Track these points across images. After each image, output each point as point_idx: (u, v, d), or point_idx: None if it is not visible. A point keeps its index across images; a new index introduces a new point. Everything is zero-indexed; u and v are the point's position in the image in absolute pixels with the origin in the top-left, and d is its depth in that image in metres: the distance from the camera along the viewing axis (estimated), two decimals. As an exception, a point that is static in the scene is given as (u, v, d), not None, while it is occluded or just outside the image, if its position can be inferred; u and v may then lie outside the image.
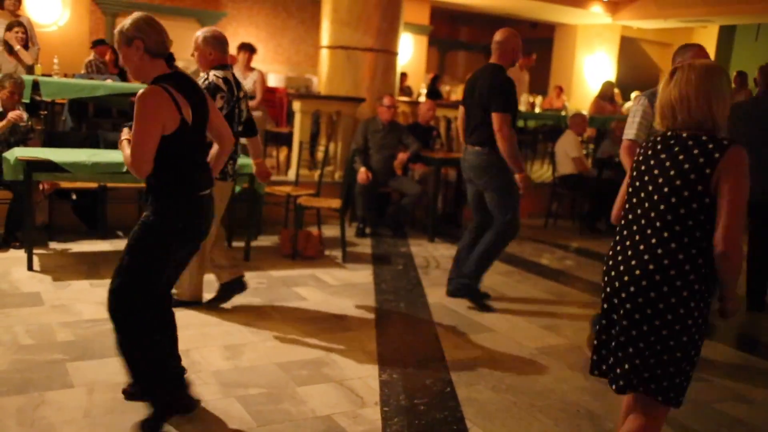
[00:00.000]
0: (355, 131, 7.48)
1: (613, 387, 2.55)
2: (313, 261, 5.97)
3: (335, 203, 6.27)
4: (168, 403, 3.02)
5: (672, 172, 2.38)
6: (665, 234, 2.38)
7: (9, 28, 7.14)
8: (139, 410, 3.13)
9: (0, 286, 4.69)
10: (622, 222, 2.55)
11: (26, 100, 6.17)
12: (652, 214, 2.42)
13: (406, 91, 12.82)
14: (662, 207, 2.39)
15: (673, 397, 2.48)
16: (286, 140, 8.71)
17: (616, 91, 12.54)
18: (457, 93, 13.82)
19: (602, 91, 11.32)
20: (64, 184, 5.89)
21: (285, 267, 5.74)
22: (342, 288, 5.30)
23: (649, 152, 2.48)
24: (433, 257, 6.47)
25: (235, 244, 6.22)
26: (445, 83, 15.12)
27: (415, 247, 6.80)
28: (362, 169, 6.97)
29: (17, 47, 7.06)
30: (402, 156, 7.19)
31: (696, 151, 2.34)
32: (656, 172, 2.43)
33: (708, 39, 15.96)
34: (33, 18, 8.45)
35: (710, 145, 2.33)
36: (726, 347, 4.67)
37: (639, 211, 2.47)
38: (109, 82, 7.14)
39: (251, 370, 3.71)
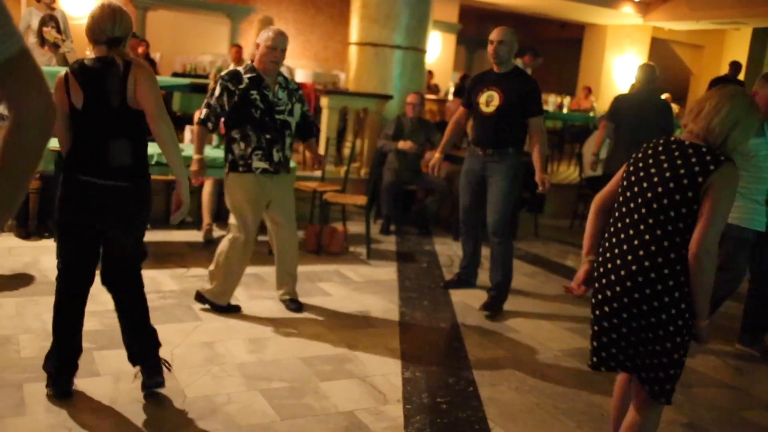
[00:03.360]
0: (386, 124, 7.48)
1: (604, 369, 2.71)
2: (337, 257, 5.99)
3: (361, 200, 6.28)
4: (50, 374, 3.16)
5: (667, 174, 2.47)
6: (658, 232, 2.46)
7: (43, 23, 7.24)
8: (163, 400, 3.17)
9: (30, 274, 4.76)
10: (615, 216, 2.63)
11: None
12: (644, 211, 2.50)
13: (432, 89, 12.80)
14: (654, 206, 2.48)
15: (670, 394, 2.59)
16: (312, 136, 8.73)
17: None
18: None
19: (631, 93, 11.19)
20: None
21: (309, 262, 5.76)
22: (366, 285, 5.31)
23: (650, 152, 2.58)
24: (458, 256, 6.44)
25: (260, 238, 6.23)
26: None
27: (440, 246, 6.78)
28: (400, 142, 7.03)
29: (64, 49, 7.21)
30: (429, 156, 7.17)
31: (694, 160, 2.45)
32: (652, 171, 2.52)
33: (741, 41, 15.74)
34: (66, 11, 8.53)
35: (708, 157, 2.43)
36: (755, 355, 4.60)
37: (632, 206, 2.55)
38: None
39: (275, 363, 3.73)
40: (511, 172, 4.90)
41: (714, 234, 2.39)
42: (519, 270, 6.15)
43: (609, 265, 2.56)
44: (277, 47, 4.23)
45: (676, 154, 2.49)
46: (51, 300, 4.26)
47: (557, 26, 16.40)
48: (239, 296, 4.72)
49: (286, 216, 4.57)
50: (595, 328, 2.64)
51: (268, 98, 4.29)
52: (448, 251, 6.61)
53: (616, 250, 2.55)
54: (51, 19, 7.30)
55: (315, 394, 3.42)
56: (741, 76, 11.50)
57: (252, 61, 4.35)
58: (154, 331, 3.29)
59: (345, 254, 6.10)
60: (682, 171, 2.44)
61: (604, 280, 2.57)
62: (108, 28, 3.03)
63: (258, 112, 4.25)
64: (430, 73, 12.92)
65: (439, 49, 14.97)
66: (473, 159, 5.06)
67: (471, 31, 17.34)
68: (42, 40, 7.23)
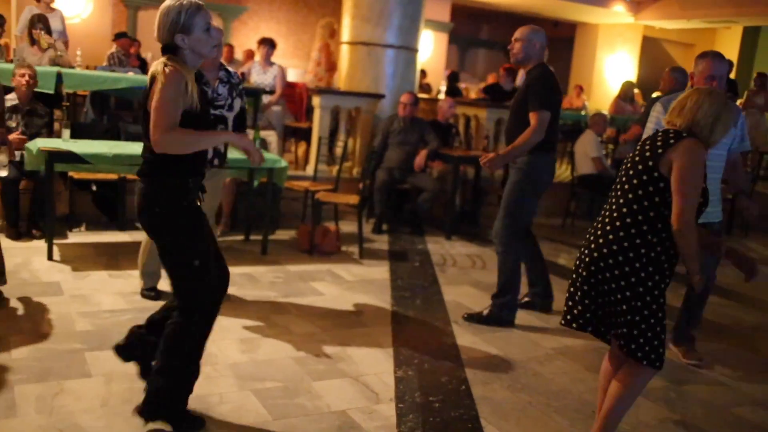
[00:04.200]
0: (379, 124, 7.50)
1: (589, 329, 2.96)
2: (330, 256, 5.98)
3: (353, 199, 6.28)
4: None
5: (637, 158, 2.80)
6: (624, 210, 2.78)
7: (32, 23, 7.21)
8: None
9: (21, 276, 4.75)
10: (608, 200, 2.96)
11: (51, 91, 6.22)
12: (619, 193, 2.83)
13: (425, 88, 12.81)
14: (626, 187, 2.80)
15: (650, 356, 2.79)
16: (305, 135, 8.74)
17: (637, 91, 12.44)
18: (476, 91, 13.78)
19: (622, 92, 11.25)
20: (85, 175, 5.95)
21: (302, 262, 5.75)
22: (358, 284, 5.31)
23: (639, 145, 2.91)
24: (450, 255, 6.46)
25: (252, 237, 6.25)
26: (464, 81, 15.07)
27: (432, 245, 6.79)
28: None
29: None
30: (419, 159, 7.16)
31: (659, 138, 2.77)
32: (630, 159, 2.86)
33: (731, 40, 15.81)
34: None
35: (671, 134, 2.75)
36: (746, 352, 4.62)
37: (614, 193, 2.88)
38: (130, 74, 7.19)
39: (267, 363, 3.72)
40: (518, 175, 4.57)
41: (689, 206, 2.65)
42: (511, 269, 6.17)
43: (588, 236, 2.90)
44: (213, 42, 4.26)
45: (648, 141, 2.82)
46: (42, 300, 4.28)
47: (549, 25, 16.40)
48: (231, 295, 4.72)
49: (206, 207, 4.48)
50: (570, 289, 2.95)
51: (207, 95, 4.25)
52: (441, 250, 6.61)
53: (598, 225, 2.87)
54: (39, 20, 7.25)
55: (308, 393, 3.42)
56: (732, 75, 11.54)
57: None
58: (167, 387, 2.95)
59: (337, 254, 6.09)
60: (647, 147, 2.79)
61: (581, 249, 2.92)
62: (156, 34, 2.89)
63: None
64: (424, 72, 12.92)
65: (431, 49, 14.98)
66: None
67: (463, 30, 17.36)
68: (32, 40, 7.20)
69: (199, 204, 2.94)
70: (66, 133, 5.37)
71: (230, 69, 4.49)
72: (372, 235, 6.94)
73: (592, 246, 2.84)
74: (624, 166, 2.89)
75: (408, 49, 8.39)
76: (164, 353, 2.93)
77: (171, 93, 2.75)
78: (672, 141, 2.71)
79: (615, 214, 2.81)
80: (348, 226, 6.91)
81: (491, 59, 18.45)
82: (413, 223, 7.33)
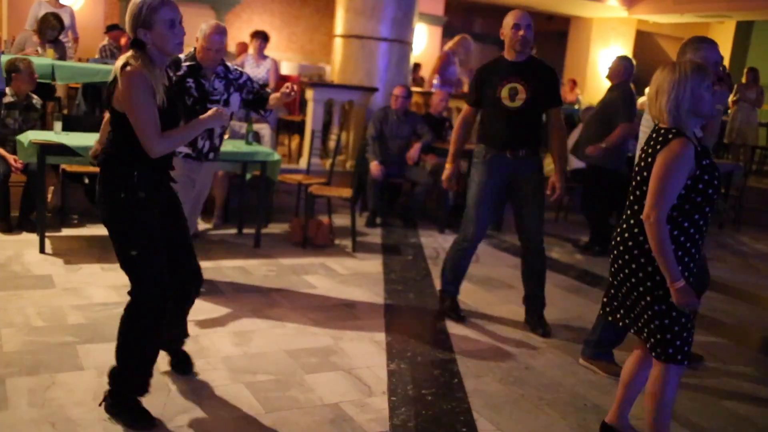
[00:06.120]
0: (372, 117, 7.48)
1: (610, 318, 3.07)
2: (323, 250, 5.98)
3: (346, 192, 6.27)
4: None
5: (636, 160, 2.89)
6: (629, 212, 2.88)
7: (49, 25, 7.23)
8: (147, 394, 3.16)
9: (12, 268, 4.73)
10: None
11: (49, 81, 6.20)
12: (634, 188, 2.88)
13: (418, 81, 12.77)
14: (629, 188, 2.90)
15: (672, 353, 2.77)
16: (298, 129, 8.73)
17: (630, 86, 12.43)
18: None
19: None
20: (78, 168, 5.92)
21: (295, 255, 5.75)
22: (351, 277, 5.31)
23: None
24: (443, 248, 6.46)
25: (245, 231, 6.24)
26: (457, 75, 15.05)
27: (425, 238, 6.80)
28: (374, 163, 6.96)
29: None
30: (412, 152, 7.15)
31: (651, 143, 2.77)
32: (640, 163, 2.86)
33: (725, 34, 15.83)
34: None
35: (660, 138, 2.72)
36: (735, 345, 4.65)
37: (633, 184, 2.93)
38: (123, 67, 7.15)
39: (260, 356, 3.72)
40: (541, 174, 4.46)
41: (655, 203, 2.66)
42: (504, 262, 6.19)
43: (616, 235, 2.95)
44: (212, 48, 4.21)
45: (646, 140, 2.83)
46: (34, 294, 4.27)
47: (543, 19, 16.40)
48: (224, 289, 4.72)
49: (198, 201, 4.62)
50: (609, 280, 3.02)
51: (204, 87, 4.28)
52: (434, 244, 6.62)
53: (622, 221, 2.93)
54: (55, 17, 7.29)
55: (300, 386, 3.42)
56: (725, 69, 11.53)
57: (195, 49, 4.29)
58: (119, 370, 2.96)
59: (330, 247, 6.10)
60: (643, 155, 2.80)
61: (612, 245, 2.96)
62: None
63: (190, 99, 4.23)
64: (417, 65, 12.89)
65: (425, 42, 14.95)
66: (499, 165, 4.39)
67: (457, 23, 17.31)
68: (39, 32, 7.21)
69: (144, 197, 2.89)
70: (58, 125, 5.35)
71: (230, 65, 4.46)
72: (365, 228, 6.94)
73: (617, 240, 2.91)
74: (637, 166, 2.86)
75: (401, 42, 8.39)
76: (118, 339, 2.97)
77: (140, 98, 2.72)
78: (659, 147, 2.70)
79: (623, 216, 2.91)
80: (341, 220, 6.91)
81: (485, 53, 18.42)
82: (406, 216, 7.33)
